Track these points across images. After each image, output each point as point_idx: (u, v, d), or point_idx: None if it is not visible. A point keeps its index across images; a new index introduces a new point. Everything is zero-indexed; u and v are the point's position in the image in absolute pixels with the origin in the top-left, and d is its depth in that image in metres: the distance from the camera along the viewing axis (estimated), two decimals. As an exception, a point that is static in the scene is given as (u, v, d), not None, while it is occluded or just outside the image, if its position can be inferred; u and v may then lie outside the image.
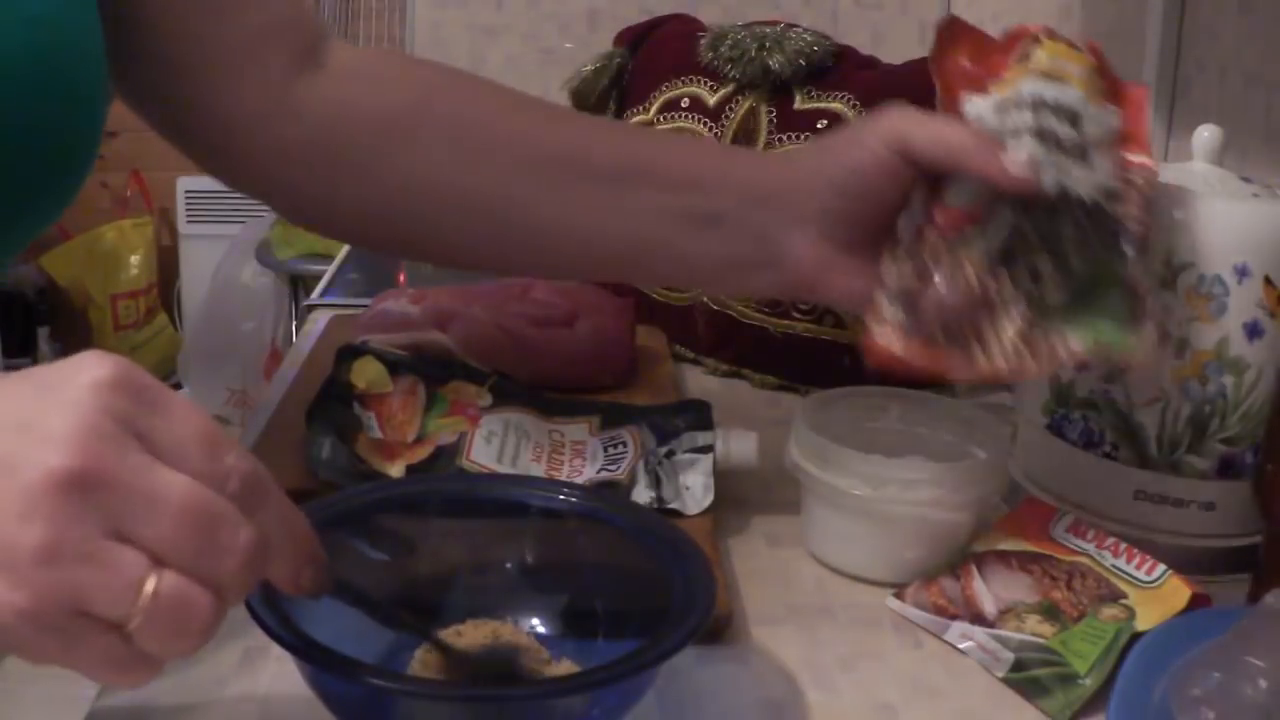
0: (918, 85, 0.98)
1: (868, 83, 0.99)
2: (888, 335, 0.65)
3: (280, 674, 0.61)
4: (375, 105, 0.72)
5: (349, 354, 0.85)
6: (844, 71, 1.00)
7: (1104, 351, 0.65)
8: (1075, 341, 0.64)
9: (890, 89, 0.98)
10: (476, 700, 0.55)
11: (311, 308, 1.26)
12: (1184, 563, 0.68)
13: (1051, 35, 0.70)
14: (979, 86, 0.69)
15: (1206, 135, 0.78)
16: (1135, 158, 0.66)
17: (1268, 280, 0.72)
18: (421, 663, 0.59)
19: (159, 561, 0.39)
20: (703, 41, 1.05)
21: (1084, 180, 0.65)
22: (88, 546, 0.38)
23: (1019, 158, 0.64)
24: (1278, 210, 0.74)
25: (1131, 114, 0.68)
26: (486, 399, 0.85)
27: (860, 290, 0.68)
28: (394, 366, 0.85)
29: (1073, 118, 0.65)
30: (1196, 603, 0.66)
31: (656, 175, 0.71)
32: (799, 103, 0.99)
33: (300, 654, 0.51)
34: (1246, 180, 0.77)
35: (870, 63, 1.03)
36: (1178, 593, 0.65)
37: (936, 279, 0.64)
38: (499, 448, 0.80)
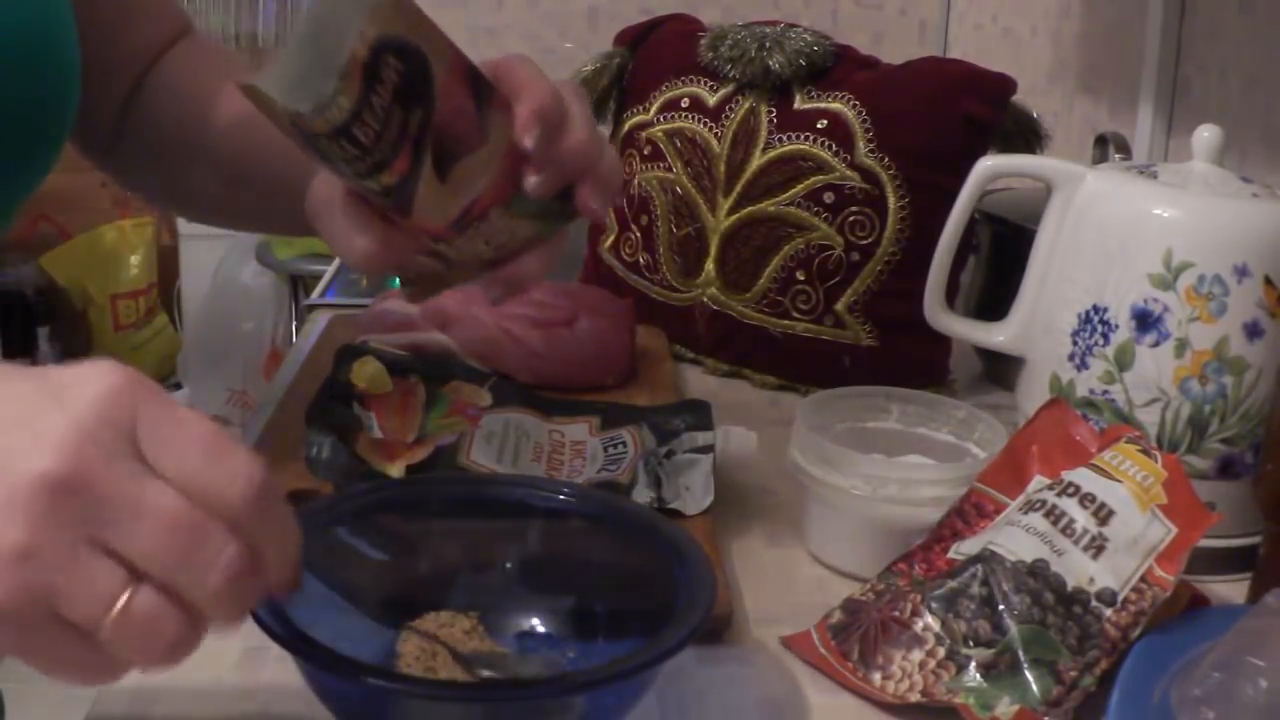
0: (918, 85, 0.99)
1: (868, 83, 0.99)
2: None
3: (280, 674, 0.61)
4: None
5: (349, 354, 0.85)
6: (844, 71, 1.00)
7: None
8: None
9: (890, 89, 0.98)
10: (476, 700, 0.55)
11: (311, 308, 1.26)
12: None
13: (1134, 441, 0.67)
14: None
15: (1206, 135, 0.78)
16: (1163, 573, 0.62)
17: (1268, 280, 0.72)
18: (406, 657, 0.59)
19: (138, 574, 0.39)
20: (703, 41, 1.05)
21: (1075, 569, 0.62)
22: (65, 552, 0.38)
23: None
24: (1278, 210, 0.74)
25: (1183, 535, 0.64)
26: (486, 399, 0.85)
27: (363, 249, 0.61)
28: (394, 366, 0.85)
29: (1103, 512, 0.64)
30: (1196, 603, 0.66)
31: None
32: (799, 103, 0.99)
33: (300, 654, 0.51)
34: (1246, 180, 0.77)
35: (870, 63, 1.03)
36: (1178, 593, 0.65)
37: None
38: (499, 448, 0.80)
